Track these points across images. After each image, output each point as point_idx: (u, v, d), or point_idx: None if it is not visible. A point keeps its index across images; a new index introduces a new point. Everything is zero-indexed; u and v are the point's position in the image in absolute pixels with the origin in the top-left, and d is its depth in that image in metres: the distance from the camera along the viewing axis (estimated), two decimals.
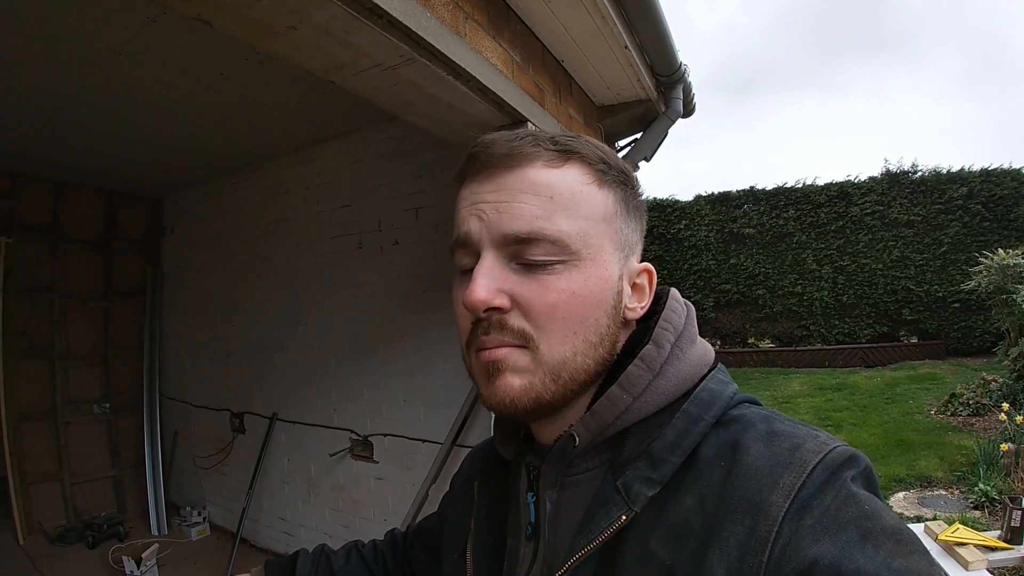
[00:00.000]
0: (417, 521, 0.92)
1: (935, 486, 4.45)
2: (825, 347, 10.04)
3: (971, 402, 6.04)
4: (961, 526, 2.49)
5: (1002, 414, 4.72)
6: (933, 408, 6.44)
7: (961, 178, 9.40)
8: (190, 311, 4.75)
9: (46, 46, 2.40)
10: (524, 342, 0.53)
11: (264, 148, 3.81)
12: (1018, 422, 4.33)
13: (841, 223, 9.99)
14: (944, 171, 9.62)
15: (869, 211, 9.79)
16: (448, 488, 0.84)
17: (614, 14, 1.90)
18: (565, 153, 0.56)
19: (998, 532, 2.55)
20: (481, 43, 1.62)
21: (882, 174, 10.00)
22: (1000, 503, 3.37)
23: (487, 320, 0.53)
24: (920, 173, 9.76)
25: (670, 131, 2.78)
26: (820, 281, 10.10)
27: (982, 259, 6.42)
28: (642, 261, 0.63)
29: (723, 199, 10.93)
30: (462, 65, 1.48)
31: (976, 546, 2.33)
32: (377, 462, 3.32)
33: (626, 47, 2.08)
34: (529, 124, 1.86)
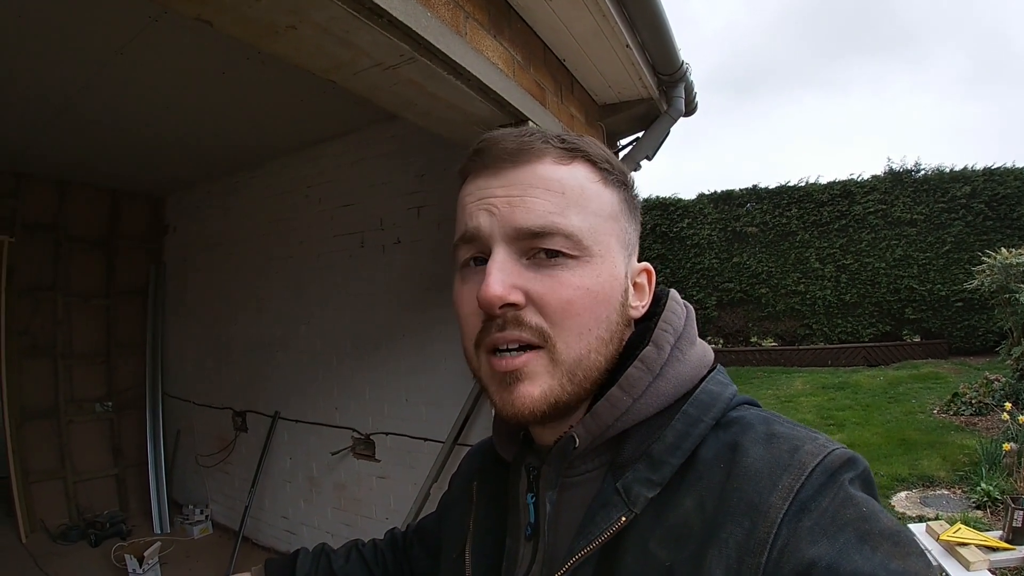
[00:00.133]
0: (417, 520, 0.92)
1: (937, 486, 4.45)
2: (828, 346, 10.02)
3: (974, 401, 6.03)
4: (963, 526, 2.49)
5: (1004, 414, 4.71)
6: (936, 407, 6.43)
7: (964, 177, 9.37)
8: (192, 310, 4.76)
9: (48, 46, 2.41)
10: (541, 340, 0.52)
11: (266, 147, 3.82)
12: (1021, 422, 4.32)
13: (844, 222, 9.97)
14: (947, 170, 9.59)
15: (872, 210, 9.76)
16: (447, 488, 0.84)
17: (615, 13, 1.90)
18: (572, 151, 0.56)
19: (1000, 532, 2.55)
20: (482, 42, 1.62)
21: (885, 173, 9.98)
22: (1002, 503, 3.36)
23: (501, 317, 0.52)
24: (923, 172, 9.74)
25: (672, 130, 2.77)
26: (823, 280, 10.08)
27: (985, 258, 6.41)
28: (641, 260, 0.63)
29: (726, 198, 10.91)
30: (463, 64, 1.48)
31: (978, 546, 2.33)
32: (379, 461, 3.33)
33: (627, 46, 2.07)
34: (530, 123, 1.85)
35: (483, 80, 1.58)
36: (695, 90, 2.77)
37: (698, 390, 0.55)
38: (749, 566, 0.43)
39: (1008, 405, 4.76)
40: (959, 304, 9.13)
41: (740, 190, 10.85)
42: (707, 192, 11.15)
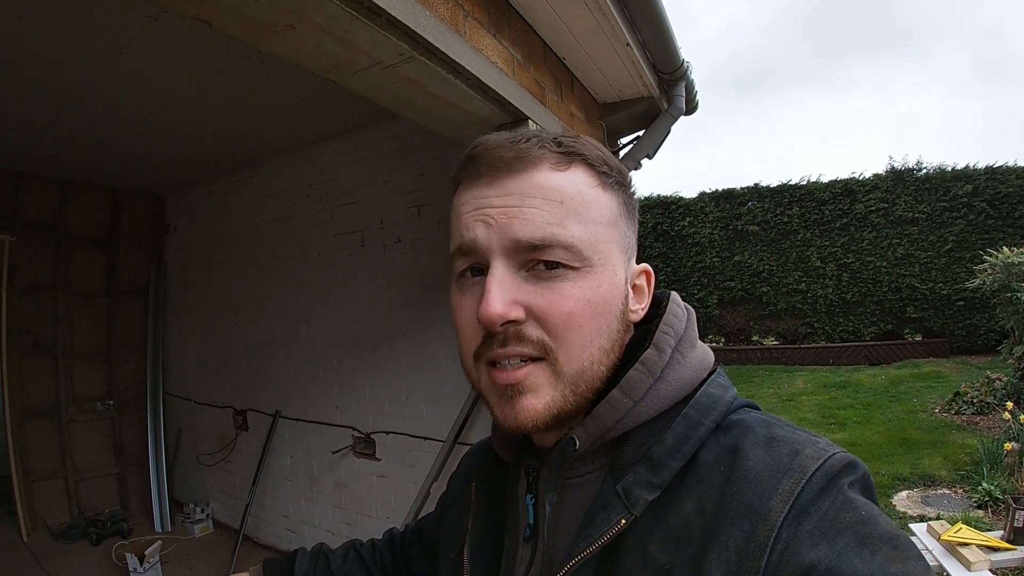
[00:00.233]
0: (415, 520, 0.92)
1: (939, 485, 4.44)
2: (829, 345, 10.03)
3: (975, 401, 6.02)
4: (964, 526, 2.49)
5: (1006, 413, 4.70)
6: (937, 406, 6.42)
7: (966, 176, 9.36)
8: (193, 308, 4.77)
9: (48, 45, 2.40)
10: (543, 353, 0.52)
11: (266, 146, 3.82)
12: (1022, 421, 4.31)
13: (845, 220, 9.97)
14: (949, 168, 9.58)
15: (874, 208, 9.76)
16: (446, 488, 0.84)
17: (615, 11, 1.89)
18: (570, 155, 0.55)
19: (1001, 532, 2.54)
20: (481, 41, 1.61)
21: (887, 171, 9.98)
22: (1003, 503, 3.36)
23: (503, 333, 0.52)
24: (925, 170, 9.73)
25: (673, 128, 2.77)
26: (824, 278, 10.07)
27: (987, 257, 6.39)
28: (641, 261, 0.62)
29: (727, 196, 10.90)
30: (462, 63, 1.48)
31: (979, 546, 2.32)
32: (379, 460, 3.33)
33: (628, 44, 2.07)
34: (530, 122, 1.85)
35: (483, 79, 1.58)
36: (696, 88, 2.76)
37: (698, 393, 0.55)
38: (749, 569, 0.43)
39: (1009, 404, 4.75)
40: (961, 303, 9.13)
41: (741, 188, 10.84)
42: (708, 191, 11.16)
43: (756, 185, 10.73)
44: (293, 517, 3.83)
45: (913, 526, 2.66)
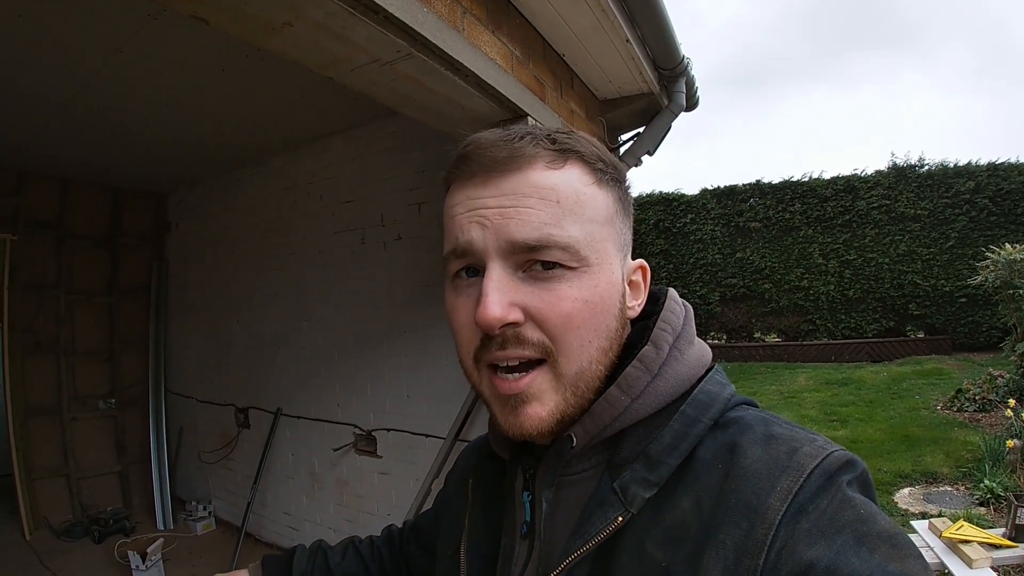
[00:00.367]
0: (413, 517, 0.92)
1: (940, 482, 4.43)
2: (831, 341, 10.01)
3: (977, 398, 6.01)
4: (966, 523, 2.48)
5: (1008, 410, 4.69)
6: (939, 403, 6.41)
7: (968, 172, 9.33)
8: (195, 307, 4.77)
9: (48, 44, 2.40)
10: (544, 355, 0.52)
11: (267, 144, 3.81)
12: None
13: (848, 217, 9.94)
14: (951, 165, 9.54)
15: (876, 205, 9.73)
16: (443, 485, 0.84)
17: (615, 7, 1.89)
18: (564, 152, 0.54)
19: (1003, 530, 2.53)
20: (479, 38, 1.61)
21: (889, 168, 9.94)
22: (1005, 500, 3.35)
23: (501, 335, 0.51)
24: (927, 167, 9.69)
25: (674, 124, 2.76)
26: (826, 275, 10.05)
27: (989, 254, 6.37)
28: (643, 257, 0.62)
29: (729, 193, 10.88)
30: (460, 60, 1.47)
31: (980, 544, 2.32)
32: (381, 457, 3.33)
33: (627, 41, 2.06)
34: (529, 119, 1.84)
35: (481, 76, 1.58)
36: (696, 85, 2.76)
37: (696, 390, 0.55)
38: (746, 568, 0.43)
39: (1012, 401, 4.74)
40: (963, 300, 9.10)
41: (743, 185, 10.81)
42: (710, 187, 11.11)
43: (758, 182, 10.69)
44: (295, 514, 3.84)
45: (915, 523, 2.66)
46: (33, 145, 3.67)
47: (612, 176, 0.57)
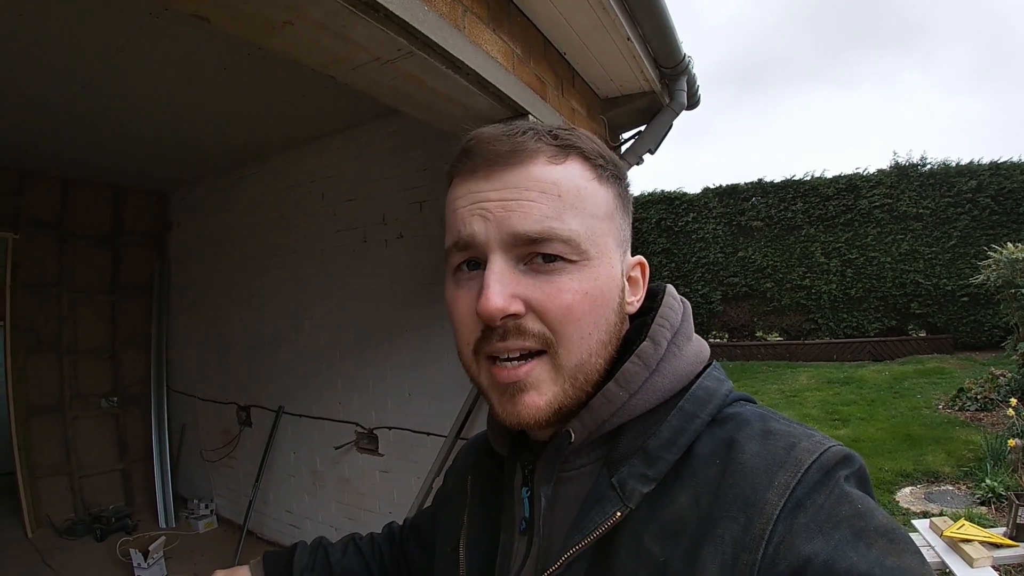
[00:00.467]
0: (413, 515, 0.93)
1: (942, 481, 4.43)
2: (833, 341, 10.00)
3: (979, 397, 6.00)
4: (967, 522, 2.48)
5: (1010, 409, 4.68)
6: (941, 403, 6.40)
7: (970, 171, 9.31)
8: (197, 305, 4.78)
9: (49, 44, 2.41)
10: (544, 345, 0.52)
11: (269, 142, 3.82)
12: None
13: (850, 216, 9.93)
14: (953, 164, 9.53)
15: (878, 204, 9.71)
16: (442, 482, 0.84)
17: (615, 6, 1.89)
18: (566, 148, 0.55)
19: (1004, 529, 2.53)
20: (480, 36, 1.61)
21: (891, 167, 9.92)
22: (1007, 499, 3.35)
23: (502, 327, 0.52)
24: (929, 166, 9.68)
25: (675, 123, 2.76)
26: (828, 274, 10.04)
27: (991, 253, 6.36)
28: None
29: (731, 192, 10.86)
30: (461, 59, 1.47)
31: (982, 543, 2.31)
32: (382, 455, 3.33)
33: (628, 39, 2.06)
34: (530, 117, 1.84)
35: (482, 74, 1.58)
36: (697, 83, 2.75)
37: (694, 386, 0.55)
38: (744, 562, 0.43)
39: (1014, 401, 4.73)
40: (965, 299, 9.07)
41: (745, 184, 10.80)
42: (712, 186, 11.10)
43: (760, 181, 10.68)
44: (297, 513, 3.85)
45: (916, 522, 2.65)
46: (34, 144, 3.68)
47: (612, 173, 0.58)
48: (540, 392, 0.52)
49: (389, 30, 1.29)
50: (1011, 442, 4.18)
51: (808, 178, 10.36)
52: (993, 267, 6.26)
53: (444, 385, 3.03)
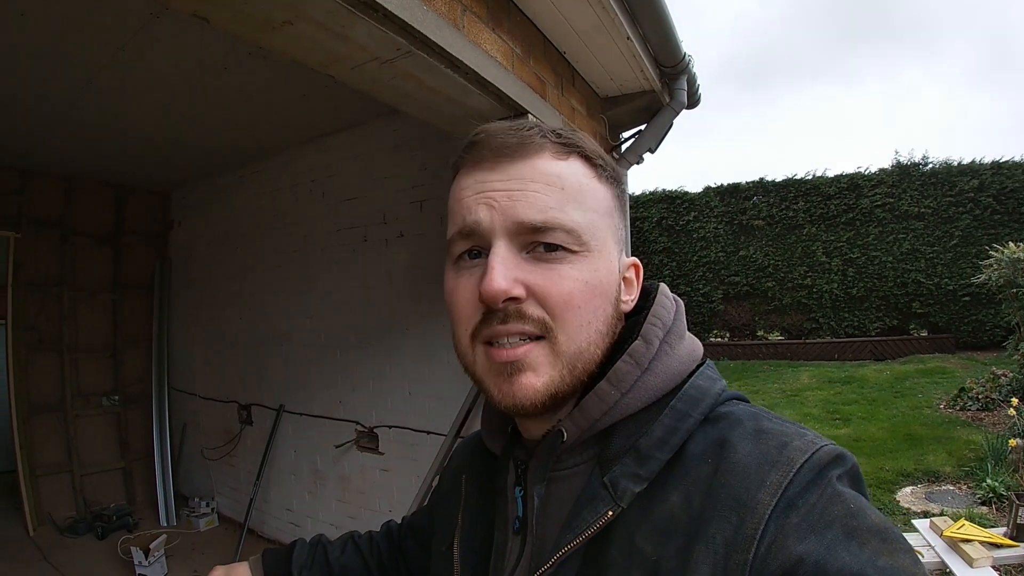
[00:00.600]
0: (411, 514, 0.93)
1: (943, 481, 4.42)
2: (834, 340, 9.98)
3: (980, 396, 5.99)
4: (967, 522, 2.47)
5: (1011, 409, 4.67)
6: (942, 402, 6.39)
7: (972, 170, 9.29)
8: (198, 304, 4.79)
9: (50, 43, 2.41)
10: (543, 331, 0.52)
11: (270, 142, 3.82)
12: None
13: (851, 215, 9.91)
14: (955, 163, 9.51)
15: (879, 203, 9.70)
16: (438, 481, 0.84)
17: (615, 5, 1.89)
18: (569, 147, 0.56)
19: (1004, 529, 2.52)
20: (480, 35, 1.61)
21: (893, 166, 9.91)
22: (1007, 499, 3.34)
23: (503, 310, 0.52)
24: (931, 165, 9.66)
25: (676, 122, 2.76)
26: (830, 273, 10.03)
27: (993, 252, 6.34)
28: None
29: (733, 191, 10.85)
30: (460, 58, 1.48)
31: (982, 543, 2.31)
32: (382, 453, 3.34)
33: (628, 38, 2.06)
34: (530, 116, 1.84)
35: (481, 73, 1.58)
36: (697, 82, 2.75)
37: (687, 385, 0.55)
38: (736, 562, 0.43)
39: (1015, 400, 4.72)
40: (966, 298, 9.06)
41: (747, 183, 10.78)
42: (713, 185, 11.08)
43: (761, 180, 10.67)
44: (297, 511, 3.86)
45: (916, 522, 2.65)
46: (36, 143, 3.68)
47: (611, 175, 0.59)
48: (538, 374, 0.53)
49: (388, 30, 1.30)
50: (1012, 442, 4.17)
51: (810, 177, 10.35)
52: (995, 267, 6.25)
53: (444, 384, 3.04)
